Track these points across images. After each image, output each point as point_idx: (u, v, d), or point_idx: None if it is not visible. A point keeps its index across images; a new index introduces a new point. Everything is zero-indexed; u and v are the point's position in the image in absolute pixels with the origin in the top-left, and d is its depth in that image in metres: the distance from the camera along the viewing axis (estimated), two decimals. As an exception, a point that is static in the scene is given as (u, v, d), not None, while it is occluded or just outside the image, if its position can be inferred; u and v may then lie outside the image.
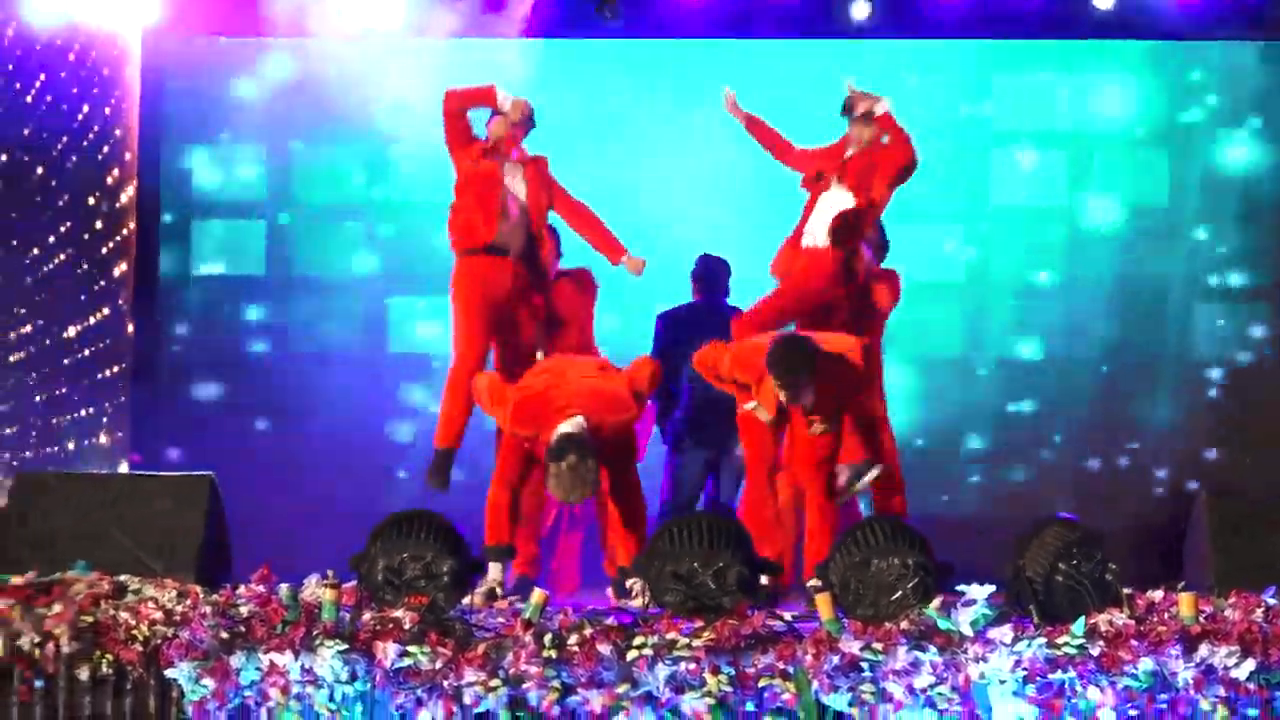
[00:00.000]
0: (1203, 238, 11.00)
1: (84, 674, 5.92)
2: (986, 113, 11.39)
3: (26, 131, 10.34)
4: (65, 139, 10.82)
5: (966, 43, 11.32)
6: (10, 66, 10.33)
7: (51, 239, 10.70)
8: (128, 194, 11.30)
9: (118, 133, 11.24)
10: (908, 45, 11.26)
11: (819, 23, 11.20)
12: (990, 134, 11.36)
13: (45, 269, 10.67)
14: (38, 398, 10.12)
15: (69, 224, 10.80)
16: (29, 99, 10.19)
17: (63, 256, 10.85)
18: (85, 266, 10.83)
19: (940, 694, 5.47)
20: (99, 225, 11.12)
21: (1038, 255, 10.31)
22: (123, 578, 6.34)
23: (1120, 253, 10.38)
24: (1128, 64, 11.31)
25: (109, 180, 11.17)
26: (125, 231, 11.22)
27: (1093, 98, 11.36)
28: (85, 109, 10.97)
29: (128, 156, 11.27)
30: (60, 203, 10.85)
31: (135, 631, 5.92)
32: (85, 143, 11.00)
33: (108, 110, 11.19)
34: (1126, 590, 5.90)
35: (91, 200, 11.05)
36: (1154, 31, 11.14)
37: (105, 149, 11.16)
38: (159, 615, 5.96)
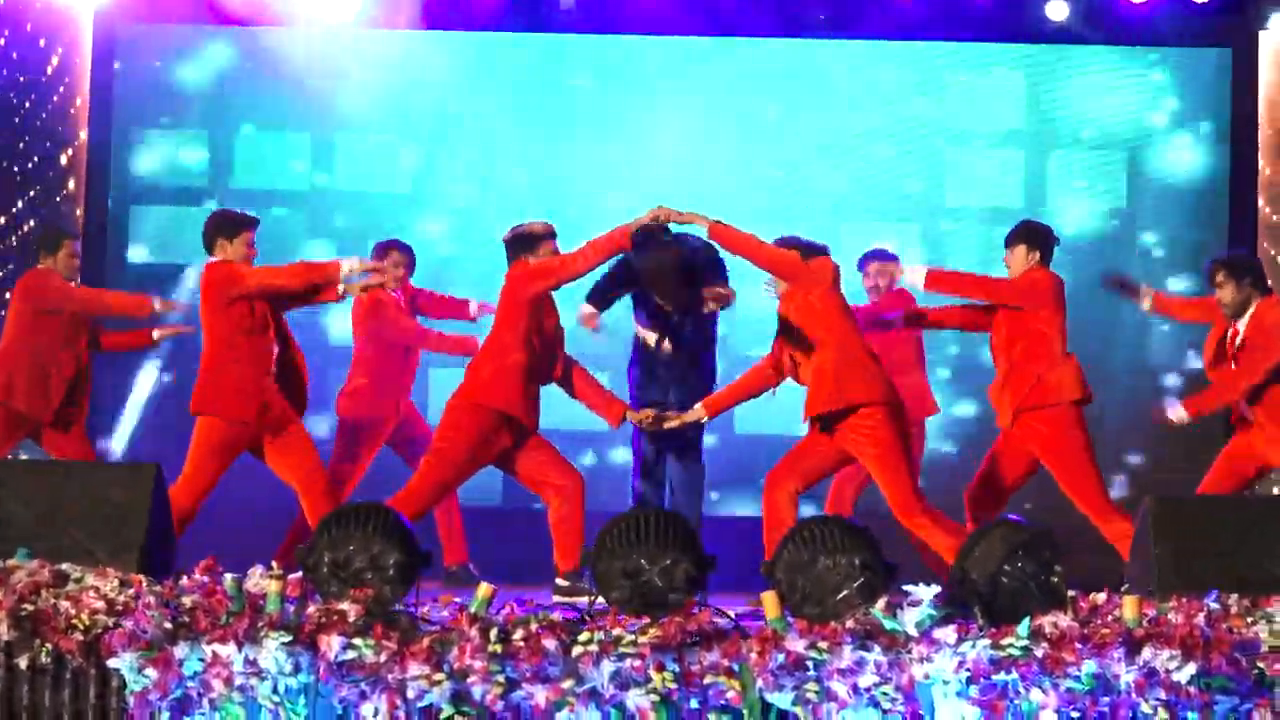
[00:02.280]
0: (1156, 241, 11.12)
1: (23, 663, 5.87)
2: (942, 112, 11.47)
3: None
4: (32, 97, 10.82)
5: (923, 44, 11.42)
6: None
7: (19, 204, 10.67)
8: (78, 177, 11.28)
9: (74, 107, 11.24)
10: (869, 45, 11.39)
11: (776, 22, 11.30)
12: (946, 134, 11.45)
13: (11, 239, 10.64)
14: None
15: (36, 189, 10.79)
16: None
17: (31, 224, 10.81)
18: None
19: (884, 694, 5.48)
20: (70, 186, 11.10)
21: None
22: (65, 566, 6.30)
23: (1074, 256, 10.36)
24: (1083, 68, 11.43)
25: (70, 150, 11.19)
26: (77, 213, 11.22)
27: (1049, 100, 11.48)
28: (52, 65, 10.99)
29: (81, 136, 11.27)
30: (29, 165, 10.83)
31: (76, 621, 5.87)
32: (50, 105, 11.01)
33: (63, 85, 11.20)
34: (1071, 592, 5.93)
35: (64, 160, 11.05)
36: (1110, 36, 11.25)
37: (70, 112, 11.18)
38: (100, 605, 5.92)
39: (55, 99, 11.17)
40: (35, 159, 11.07)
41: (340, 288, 8.64)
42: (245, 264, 8.44)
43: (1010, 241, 8.58)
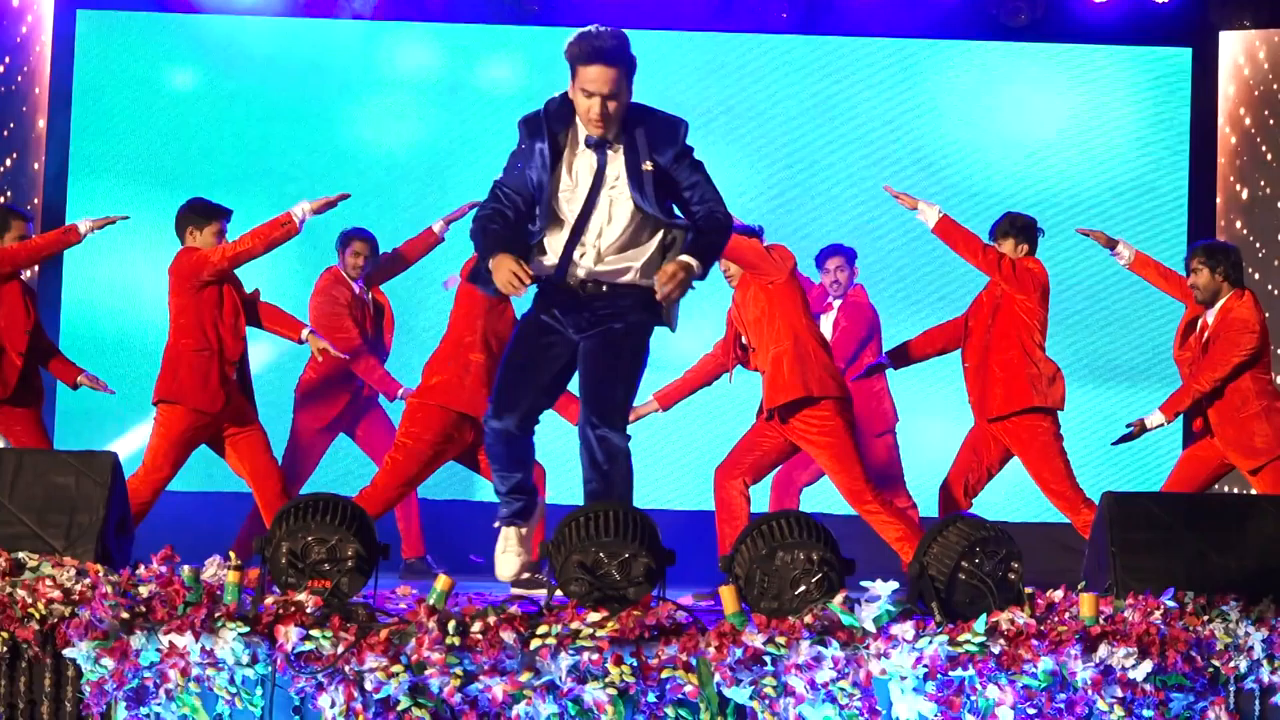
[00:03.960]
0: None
1: (-22, 651, 5.85)
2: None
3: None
4: (5, 60, 10.80)
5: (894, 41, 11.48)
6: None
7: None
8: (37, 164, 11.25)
9: (36, 91, 11.23)
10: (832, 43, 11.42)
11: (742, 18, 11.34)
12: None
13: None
14: None
15: (11, 160, 10.77)
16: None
17: (9, 194, 10.78)
18: None
19: (841, 689, 5.49)
20: (42, 160, 11.08)
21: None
22: (21, 555, 6.27)
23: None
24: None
25: (39, 125, 11.18)
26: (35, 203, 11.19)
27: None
28: (24, 29, 10.98)
29: (40, 124, 11.25)
30: (3, 134, 10.82)
31: (32, 609, 5.84)
32: (20, 78, 10.98)
33: (31, 56, 11.20)
34: (1029, 589, 5.95)
35: (35, 133, 11.01)
36: (1071, 36, 11.30)
37: (35, 89, 11.17)
38: (57, 594, 5.89)
39: (25, 69, 11.16)
40: (9, 128, 11.06)
41: (303, 333, 8.72)
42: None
43: (998, 234, 8.65)
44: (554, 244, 6.29)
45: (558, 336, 6.37)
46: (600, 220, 6.23)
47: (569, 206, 6.24)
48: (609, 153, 6.20)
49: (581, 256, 6.26)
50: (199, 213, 8.55)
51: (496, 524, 6.61)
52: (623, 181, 6.18)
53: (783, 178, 11.45)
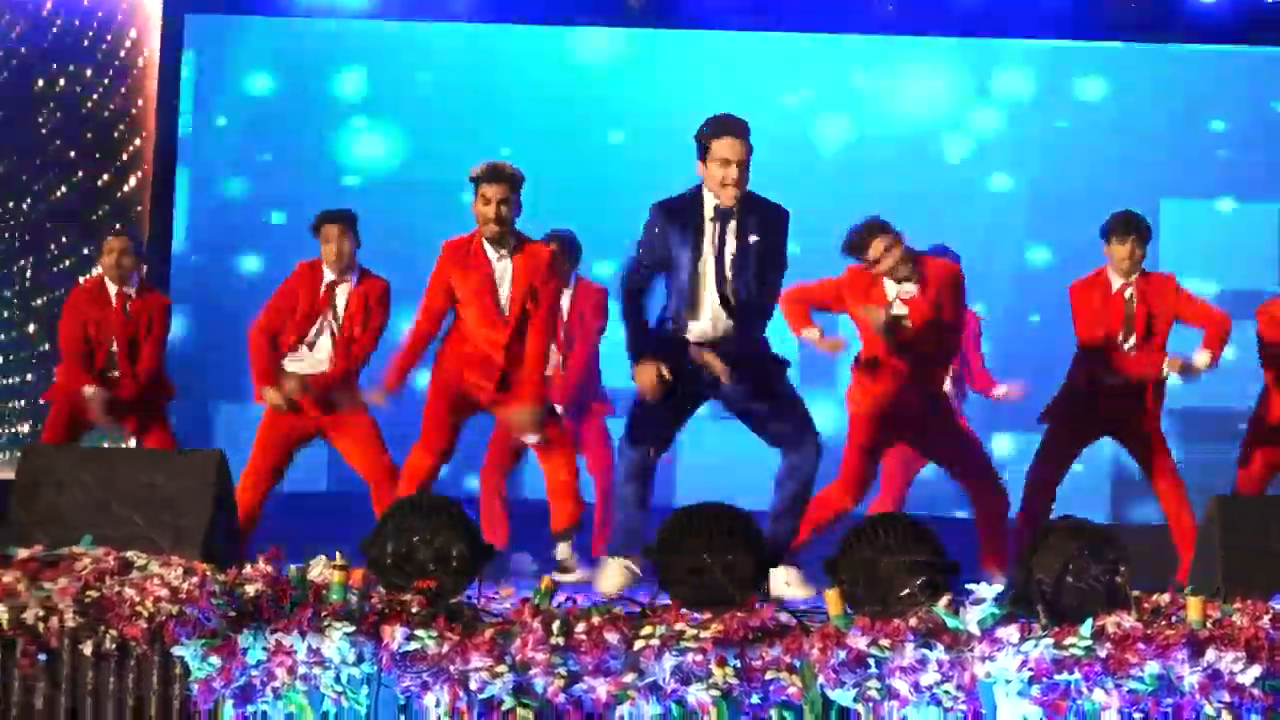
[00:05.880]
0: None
1: (88, 649, 5.90)
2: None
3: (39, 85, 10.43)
4: (109, 73, 10.96)
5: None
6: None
7: (101, 180, 10.79)
8: (139, 173, 11.37)
9: (140, 103, 11.36)
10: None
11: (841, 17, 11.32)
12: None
13: (59, 224, 10.77)
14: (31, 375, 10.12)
15: (113, 169, 10.91)
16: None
17: (105, 209, 10.92)
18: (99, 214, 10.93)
19: (946, 692, 5.47)
20: (144, 171, 11.22)
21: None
22: (130, 554, 6.34)
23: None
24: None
25: (139, 138, 11.31)
26: (139, 208, 11.31)
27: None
28: (125, 46, 11.11)
29: (143, 135, 11.36)
30: (71, 154, 10.94)
31: (140, 608, 5.90)
32: (123, 89, 11.11)
33: (135, 70, 11.35)
34: (1135, 593, 5.90)
35: (136, 144, 11.13)
36: (1180, 35, 11.21)
37: (131, 105, 11.30)
38: (164, 593, 5.94)
39: (134, 73, 11.31)
40: (116, 132, 11.22)
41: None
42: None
43: (1139, 235, 8.35)
44: (703, 309, 7.01)
45: (689, 381, 7.01)
46: (728, 280, 6.97)
47: (704, 276, 6.98)
48: (731, 223, 6.96)
49: (717, 318, 6.99)
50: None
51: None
52: (737, 250, 6.97)
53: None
